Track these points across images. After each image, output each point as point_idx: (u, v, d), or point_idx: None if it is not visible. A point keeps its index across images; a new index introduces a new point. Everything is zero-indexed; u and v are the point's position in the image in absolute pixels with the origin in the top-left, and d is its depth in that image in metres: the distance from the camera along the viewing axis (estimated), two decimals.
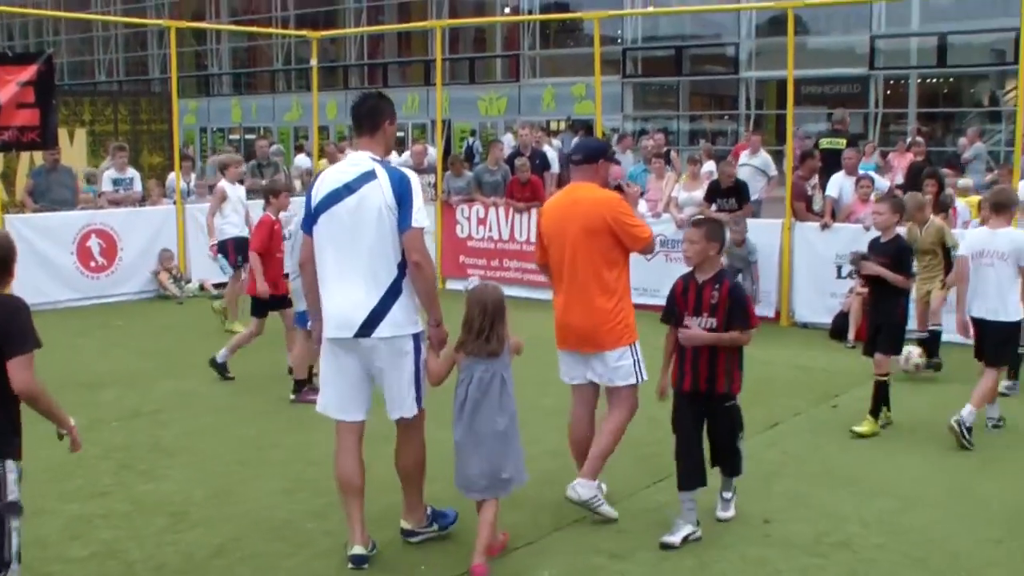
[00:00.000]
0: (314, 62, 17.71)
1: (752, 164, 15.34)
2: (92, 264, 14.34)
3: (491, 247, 14.97)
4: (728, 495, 6.45)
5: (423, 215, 5.56)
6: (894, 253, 8.04)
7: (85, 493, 6.83)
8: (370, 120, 5.84)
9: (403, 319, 5.61)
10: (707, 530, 6.17)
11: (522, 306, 10.63)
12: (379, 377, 5.73)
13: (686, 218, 13.27)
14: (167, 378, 10.07)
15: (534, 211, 14.46)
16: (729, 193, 13.21)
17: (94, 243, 14.33)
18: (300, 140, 40.32)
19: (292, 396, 9.17)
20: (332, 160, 17.58)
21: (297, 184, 18.51)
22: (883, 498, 6.70)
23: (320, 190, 5.64)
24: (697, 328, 6.00)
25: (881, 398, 8.12)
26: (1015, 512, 6.48)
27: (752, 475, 7.10)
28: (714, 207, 13.20)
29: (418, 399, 5.74)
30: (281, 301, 9.78)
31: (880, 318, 8.19)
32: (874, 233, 8.75)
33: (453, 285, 15.30)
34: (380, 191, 5.48)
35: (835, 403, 9.03)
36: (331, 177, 5.68)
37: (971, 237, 8.52)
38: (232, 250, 12.52)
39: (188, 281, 15.05)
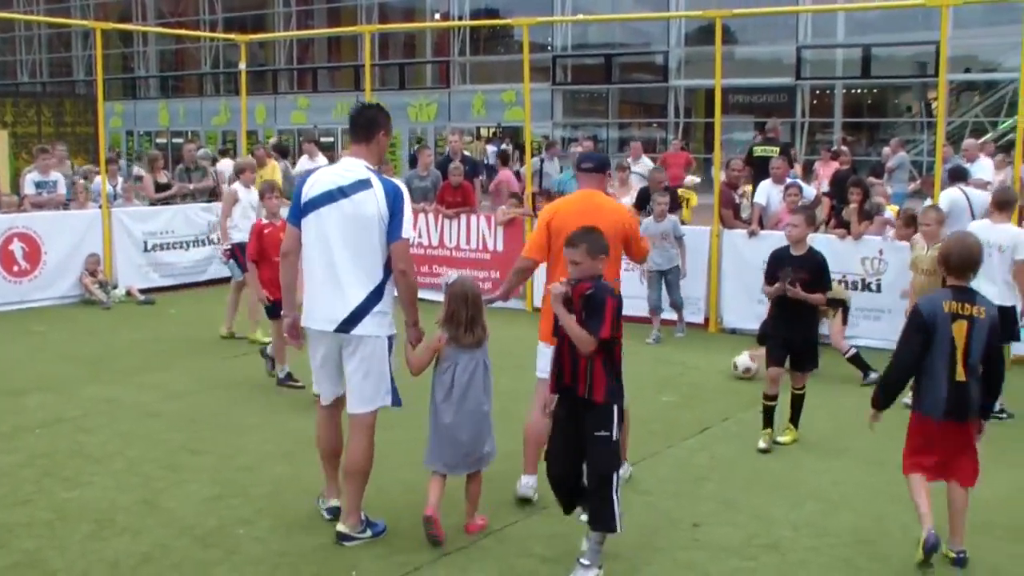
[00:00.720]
0: (243, 66, 17.58)
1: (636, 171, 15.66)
2: (15, 268, 14.05)
3: (420, 252, 14.91)
4: (587, 561, 5.59)
5: (410, 227, 5.92)
6: (813, 268, 7.92)
7: (7, 501, 6.69)
8: (366, 130, 6.12)
9: (380, 321, 5.99)
10: (637, 534, 6.20)
11: None
12: (347, 370, 6.05)
13: None
14: (92, 384, 9.90)
15: (464, 217, 14.51)
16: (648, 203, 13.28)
17: (16, 247, 14.03)
18: (227, 144, 40.01)
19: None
20: (261, 165, 17.43)
21: (224, 188, 18.24)
22: (812, 501, 6.79)
23: (313, 188, 5.96)
24: None
25: (799, 409, 8.14)
26: (941, 512, 6.58)
27: (681, 479, 7.20)
28: (643, 213, 13.28)
29: (392, 395, 6.13)
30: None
31: (798, 335, 7.92)
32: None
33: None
34: (375, 200, 5.82)
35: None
36: (325, 178, 5.99)
37: (974, 229, 8.65)
38: (241, 254, 12.33)
39: (115, 286, 14.81)
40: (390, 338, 6.06)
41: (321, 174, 6.08)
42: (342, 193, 5.85)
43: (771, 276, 8.00)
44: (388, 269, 5.93)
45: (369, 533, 6.15)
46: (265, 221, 9.98)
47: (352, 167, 5.98)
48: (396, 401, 6.13)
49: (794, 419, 8.13)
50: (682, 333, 12.24)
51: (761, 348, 8.69)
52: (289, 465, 7.46)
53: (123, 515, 6.48)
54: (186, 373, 10.26)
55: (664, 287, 12.16)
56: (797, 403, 8.12)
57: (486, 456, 6.31)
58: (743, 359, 10.12)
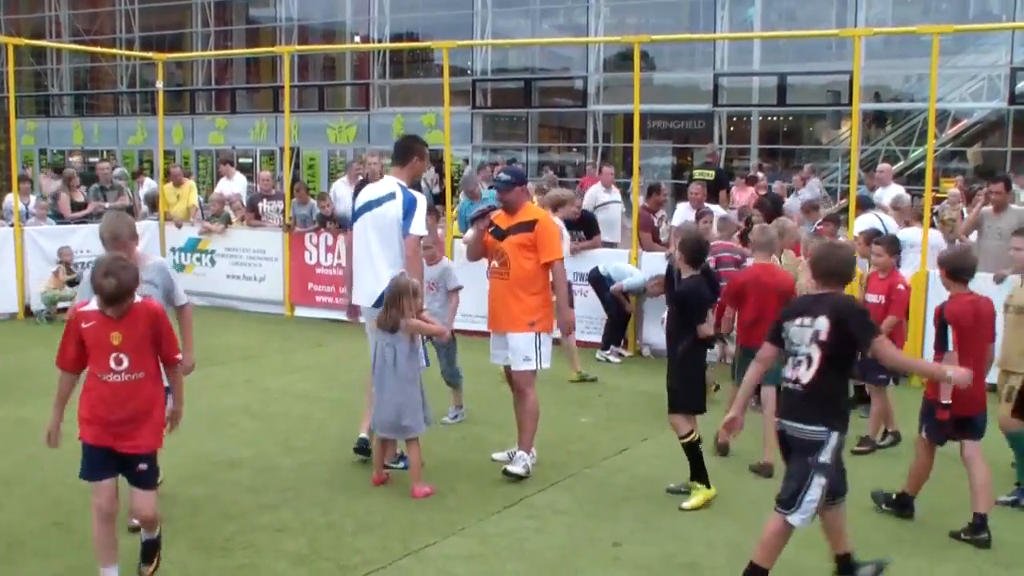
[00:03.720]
0: (160, 85, 17.37)
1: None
2: None
3: (339, 274, 14.83)
4: None
5: (420, 227, 7.69)
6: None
7: None
8: (402, 155, 7.99)
9: None
10: (558, 553, 6.23)
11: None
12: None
13: None
14: (3, 405, 9.71)
15: None
16: (578, 226, 13.36)
17: None
18: (144, 164, 39.47)
19: None
20: (177, 183, 17.26)
21: (145, 208, 18.03)
22: (727, 520, 6.86)
23: (360, 199, 7.89)
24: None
25: (697, 461, 7.26)
26: (856, 529, 6.69)
27: (601, 499, 7.22)
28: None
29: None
30: None
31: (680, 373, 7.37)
32: None
33: (301, 312, 15.18)
34: (396, 208, 7.62)
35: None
36: (366, 193, 7.88)
37: None
38: None
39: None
40: None
41: (365, 190, 7.98)
42: (377, 203, 7.68)
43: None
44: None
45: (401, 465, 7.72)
46: None
47: (386, 184, 7.80)
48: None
49: (697, 474, 7.29)
50: (456, 418, 9.38)
51: None
52: (206, 486, 7.38)
53: (34, 538, 6.37)
54: None
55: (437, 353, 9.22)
56: (688, 455, 7.31)
57: (404, 428, 7.35)
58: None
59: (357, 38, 39.29)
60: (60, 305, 14.42)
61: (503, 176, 7.99)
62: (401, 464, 7.70)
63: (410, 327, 7.31)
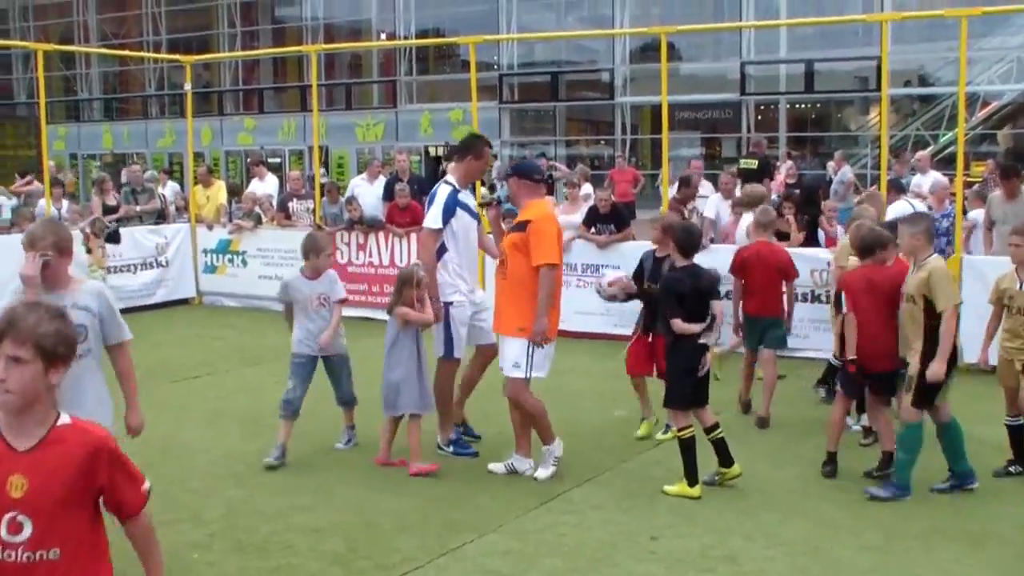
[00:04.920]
0: (188, 87, 17.47)
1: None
2: None
3: (371, 272, 14.88)
4: None
5: (431, 220, 8.00)
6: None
7: None
8: (459, 152, 8.33)
9: (442, 290, 8.06)
10: (596, 548, 6.22)
11: None
12: None
13: (565, 242, 13.37)
14: None
15: (414, 236, 14.47)
16: (608, 218, 13.33)
17: None
18: (174, 166, 39.71)
19: None
20: (206, 185, 17.34)
21: (172, 210, 18.15)
22: (765, 511, 6.83)
23: None
24: None
25: (687, 458, 7.22)
26: (893, 518, 6.65)
27: (638, 493, 7.20)
28: (592, 231, 13.35)
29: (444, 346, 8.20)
30: None
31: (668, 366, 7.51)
32: None
33: None
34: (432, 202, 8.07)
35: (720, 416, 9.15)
36: None
37: None
38: None
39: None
40: (446, 304, 8.04)
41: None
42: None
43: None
44: (444, 249, 8.07)
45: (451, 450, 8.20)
46: None
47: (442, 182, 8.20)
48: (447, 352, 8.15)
49: (688, 472, 7.23)
50: (350, 442, 8.65)
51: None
52: (242, 488, 7.41)
53: None
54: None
55: (330, 379, 8.49)
56: (682, 452, 7.29)
57: (401, 406, 7.83)
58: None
59: (383, 35, 39.35)
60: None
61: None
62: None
63: (399, 314, 7.81)
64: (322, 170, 19.69)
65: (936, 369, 6.87)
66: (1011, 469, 7.56)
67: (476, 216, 8.36)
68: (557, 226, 7.64)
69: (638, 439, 8.54)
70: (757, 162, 17.11)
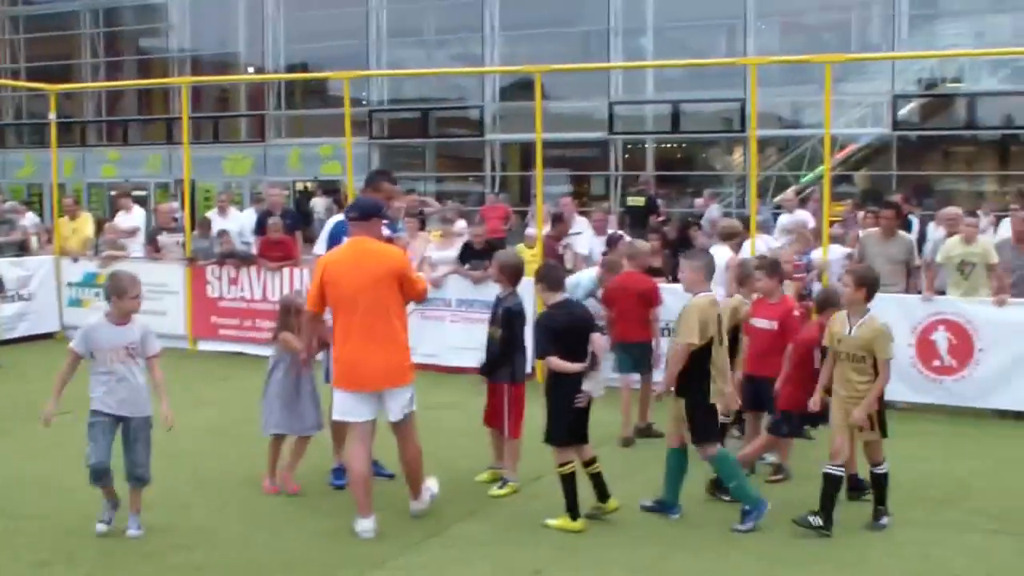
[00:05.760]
0: (53, 116, 17.07)
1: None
2: None
3: (243, 307, 14.69)
4: None
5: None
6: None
7: None
8: (364, 186, 8.33)
9: None
10: None
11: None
12: None
13: (439, 277, 13.43)
14: None
15: (286, 270, 14.36)
16: (482, 254, 13.42)
17: None
18: (32, 197, 38.65)
19: None
20: (72, 217, 16.92)
21: (34, 241, 17.65)
22: (647, 545, 6.92)
23: None
24: None
25: (570, 492, 7.28)
26: (774, 546, 6.80)
27: (519, 526, 7.24)
28: (467, 267, 13.44)
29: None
30: None
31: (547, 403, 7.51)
32: None
33: (204, 346, 14.96)
34: None
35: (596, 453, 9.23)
36: None
37: None
38: None
39: None
40: None
41: None
42: None
43: None
44: None
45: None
46: None
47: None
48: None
49: (569, 506, 7.32)
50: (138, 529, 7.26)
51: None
52: (115, 527, 7.22)
53: None
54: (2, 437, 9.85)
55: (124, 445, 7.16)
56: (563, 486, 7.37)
57: (270, 425, 8.12)
58: None
59: (251, 69, 38.94)
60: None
61: None
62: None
63: (281, 339, 8.09)
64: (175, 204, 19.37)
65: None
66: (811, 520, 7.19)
67: None
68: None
69: (479, 483, 8.40)
70: (645, 199, 17.63)
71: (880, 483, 7.41)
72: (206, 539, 7.00)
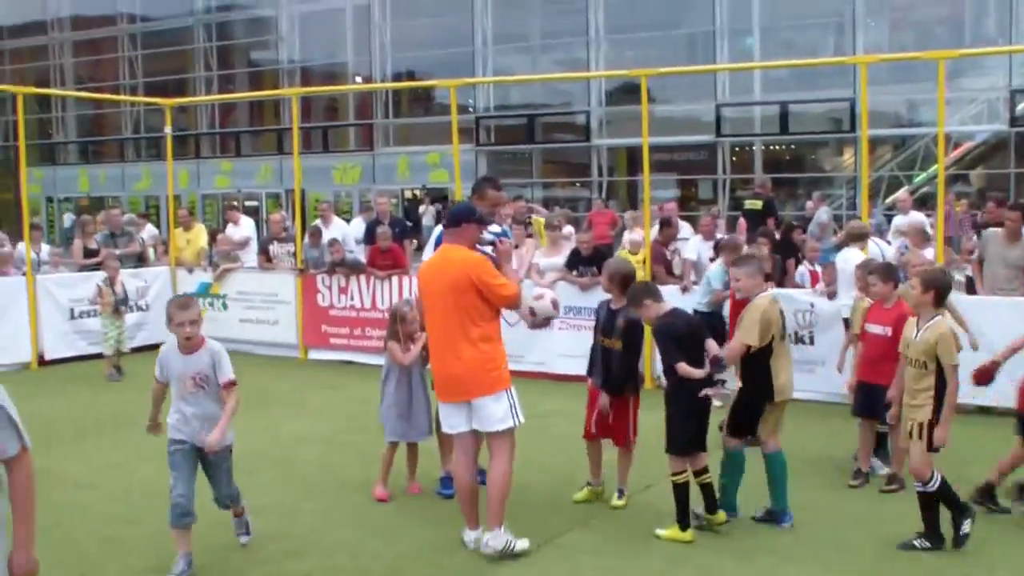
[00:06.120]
0: (168, 130, 17.47)
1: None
2: None
3: (353, 315, 14.86)
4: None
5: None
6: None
7: None
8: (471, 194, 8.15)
9: None
10: None
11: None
12: None
13: (548, 284, 13.42)
14: None
15: (395, 279, 14.47)
16: (589, 260, 13.39)
17: None
18: (150, 209, 39.68)
19: None
20: (187, 228, 17.30)
21: (151, 253, 18.11)
22: (761, 555, 6.81)
23: None
24: None
25: (682, 502, 7.19)
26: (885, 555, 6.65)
27: (629, 536, 7.17)
28: (575, 273, 13.40)
29: None
30: None
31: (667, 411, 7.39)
32: None
33: (315, 355, 15.16)
34: None
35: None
36: None
37: None
38: None
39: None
40: None
41: None
42: None
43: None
44: None
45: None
46: None
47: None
48: None
49: (680, 515, 7.24)
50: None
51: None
52: (228, 535, 7.34)
53: None
54: (120, 442, 10.08)
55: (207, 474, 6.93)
56: (675, 495, 7.27)
57: (388, 433, 8.22)
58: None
59: (359, 78, 39.47)
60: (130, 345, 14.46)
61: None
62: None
63: (388, 349, 8.19)
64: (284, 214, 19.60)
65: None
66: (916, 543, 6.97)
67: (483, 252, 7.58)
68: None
69: (575, 503, 8.09)
70: (762, 202, 17.44)
71: (926, 503, 6.98)
72: (317, 546, 7.07)
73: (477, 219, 7.23)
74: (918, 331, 7.05)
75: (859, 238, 11.56)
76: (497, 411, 6.77)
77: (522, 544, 6.86)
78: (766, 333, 7.26)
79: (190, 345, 6.60)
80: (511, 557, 6.73)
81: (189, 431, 6.54)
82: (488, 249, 7.47)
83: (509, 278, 7.06)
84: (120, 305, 14.04)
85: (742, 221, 18.38)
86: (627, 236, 15.41)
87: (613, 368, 7.80)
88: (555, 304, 7.41)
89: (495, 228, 8.13)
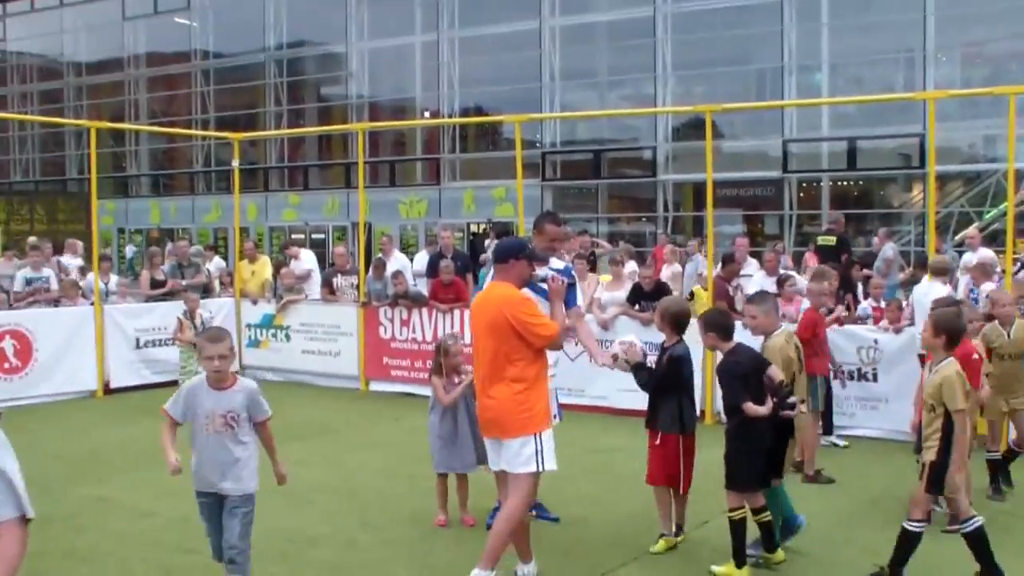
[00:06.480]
0: (236, 163, 17.71)
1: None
2: (6, 365, 14.00)
3: (414, 348, 14.90)
4: None
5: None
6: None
7: None
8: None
9: None
10: None
11: None
12: None
13: (609, 318, 13.39)
14: (83, 483, 9.79)
15: (457, 312, 14.51)
16: (652, 295, 13.32)
17: (8, 344, 14.01)
18: (219, 241, 40.20)
19: None
20: (252, 260, 17.52)
21: (216, 285, 18.33)
22: None
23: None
24: None
25: (739, 539, 7.10)
26: None
27: (684, 572, 7.09)
28: (637, 308, 13.35)
29: None
30: None
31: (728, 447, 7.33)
32: None
33: (376, 386, 15.22)
34: None
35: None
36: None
37: None
38: None
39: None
40: None
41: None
42: None
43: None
44: None
45: None
46: None
47: None
48: None
49: (736, 552, 7.11)
50: None
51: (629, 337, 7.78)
52: (286, 564, 7.37)
53: None
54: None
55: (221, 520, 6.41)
56: (732, 531, 7.20)
57: (436, 464, 8.40)
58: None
59: (427, 114, 39.77)
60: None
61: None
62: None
63: (432, 383, 8.39)
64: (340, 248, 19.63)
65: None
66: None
67: (538, 290, 7.43)
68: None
69: (653, 554, 7.75)
70: (836, 238, 17.48)
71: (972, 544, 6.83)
72: None
73: (527, 255, 7.02)
74: (930, 373, 6.93)
75: (941, 272, 11.45)
76: (522, 453, 6.58)
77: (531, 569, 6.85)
78: (788, 370, 7.47)
79: (221, 381, 6.20)
80: None
81: (207, 480, 6.21)
82: (543, 286, 7.27)
83: (556, 318, 6.87)
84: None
85: (807, 256, 18.25)
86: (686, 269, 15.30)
87: (659, 408, 7.66)
88: (644, 353, 7.45)
89: (557, 264, 8.08)
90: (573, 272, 8.45)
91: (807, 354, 8.74)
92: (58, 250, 19.72)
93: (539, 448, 6.57)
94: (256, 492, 6.32)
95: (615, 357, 7.38)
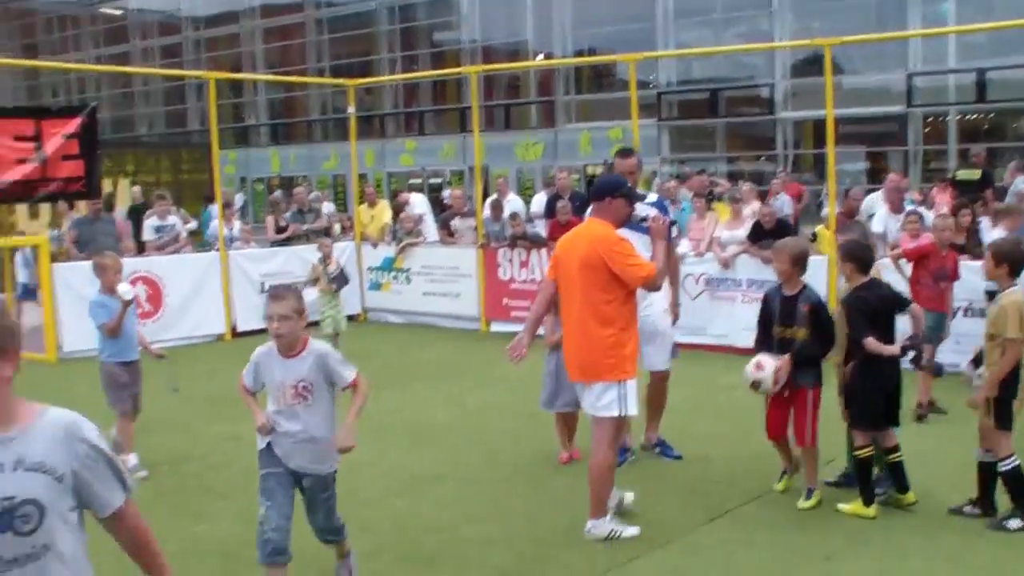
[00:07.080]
0: (352, 109, 17.84)
1: None
2: (138, 311, 14.37)
3: (533, 288, 14.91)
4: None
5: None
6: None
7: None
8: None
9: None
10: (768, 568, 6.08)
11: None
12: None
13: (729, 257, 13.25)
14: (216, 422, 10.05)
15: None
16: (773, 234, 13.11)
17: (139, 289, 14.39)
18: (338, 188, 40.72)
19: None
20: (372, 205, 17.69)
21: (337, 228, 18.64)
22: (946, 533, 6.56)
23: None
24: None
25: (863, 478, 7.02)
26: None
27: (810, 511, 7.01)
28: (757, 246, 13.17)
29: None
30: None
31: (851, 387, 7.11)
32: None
33: (497, 327, 15.29)
34: None
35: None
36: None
37: None
38: None
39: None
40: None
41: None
42: None
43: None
44: None
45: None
46: None
47: None
48: None
49: (862, 490, 7.02)
50: None
51: (764, 356, 7.25)
52: (409, 499, 7.49)
53: (249, 548, 6.51)
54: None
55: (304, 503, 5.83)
56: (857, 471, 7.16)
57: (544, 402, 8.47)
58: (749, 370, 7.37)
59: (541, 56, 39.57)
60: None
61: None
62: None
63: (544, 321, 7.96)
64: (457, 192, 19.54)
65: None
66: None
67: (638, 228, 7.28)
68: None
69: (777, 492, 7.62)
70: (980, 172, 16.95)
71: (991, 478, 6.78)
72: (496, 512, 7.14)
73: (625, 193, 6.75)
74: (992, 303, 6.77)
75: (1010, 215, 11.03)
76: (604, 397, 6.47)
77: (630, 532, 6.64)
78: None
79: (287, 346, 5.44)
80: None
81: (281, 453, 5.47)
82: (645, 225, 7.14)
83: (658, 259, 6.69)
84: (334, 283, 13.46)
85: (935, 191, 17.74)
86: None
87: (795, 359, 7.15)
88: (776, 378, 7.03)
89: (652, 198, 8.01)
90: (669, 211, 8.23)
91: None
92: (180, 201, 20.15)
93: (622, 394, 6.47)
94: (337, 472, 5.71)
95: (753, 384, 7.15)
